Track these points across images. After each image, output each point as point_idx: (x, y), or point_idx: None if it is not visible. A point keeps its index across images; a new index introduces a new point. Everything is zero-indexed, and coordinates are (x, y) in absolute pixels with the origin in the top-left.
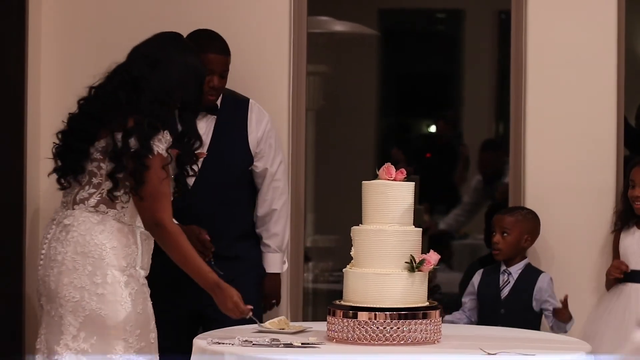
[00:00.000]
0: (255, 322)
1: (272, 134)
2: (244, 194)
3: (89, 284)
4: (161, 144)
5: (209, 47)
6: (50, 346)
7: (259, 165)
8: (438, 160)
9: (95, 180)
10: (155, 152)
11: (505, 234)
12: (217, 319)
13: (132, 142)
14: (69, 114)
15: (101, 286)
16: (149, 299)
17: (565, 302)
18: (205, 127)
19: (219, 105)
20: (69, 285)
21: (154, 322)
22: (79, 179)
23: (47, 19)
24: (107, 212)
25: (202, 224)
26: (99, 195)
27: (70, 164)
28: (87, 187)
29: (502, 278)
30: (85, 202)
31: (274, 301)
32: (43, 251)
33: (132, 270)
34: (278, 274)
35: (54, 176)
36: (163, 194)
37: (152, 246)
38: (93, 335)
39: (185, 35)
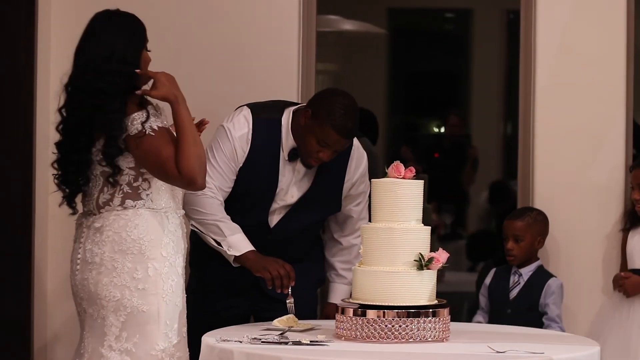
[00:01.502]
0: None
1: (366, 177)
2: (321, 225)
3: (129, 281)
4: (152, 120)
5: (337, 126)
6: (95, 348)
7: (346, 205)
8: (446, 160)
9: (111, 180)
10: (145, 131)
11: (518, 240)
12: (270, 319)
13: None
14: (55, 143)
15: (142, 281)
16: (184, 291)
17: None
18: (304, 173)
19: None
20: (109, 285)
21: (185, 315)
22: (87, 189)
23: (57, 17)
24: (135, 206)
25: (275, 252)
26: (121, 192)
27: (73, 179)
28: (105, 189)
29: (513, 279)
30: (110, 203)
31: None
32: (79, 255)
33: (172, 260)
34: None
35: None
36: (168, 158)
37: (185, 228)
38: (136, 334)
39: (325, 94)
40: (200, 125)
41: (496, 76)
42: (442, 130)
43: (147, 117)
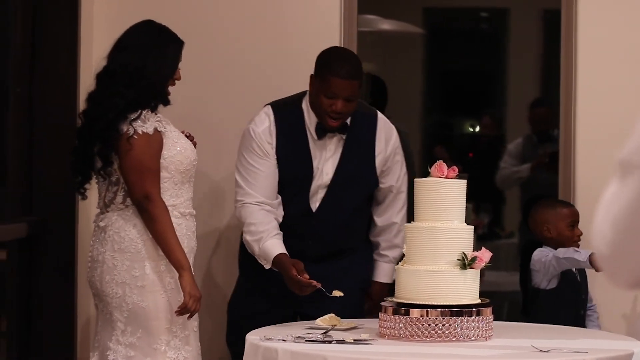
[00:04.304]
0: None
1: (399, 149)
2: (365, 208)
3: (128, 279)
4: (138, 124)
5: (333, 71)
6: (104, 343)
7: (384, 181)
8: (480, 160)
9: (114, 178)
10: (129, 133)
11: (576, 226)
12: (315, 317)
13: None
14: (77, 129)
15: (140, 279)
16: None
17: None
18: (335, 148)
19: (348, 123)
20: (111, 282)
21: (187, 316)
22: (98, 186)
23: (99, 16)
24: None
25: (322, 241)
26: (122, 190)
27: (80, 168)
28: (110, 187)
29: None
30: (114, 201)
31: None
32: (90, 254)
33: None
34: (387, 284)
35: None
36: (150, 170)
37: (193, 226)
38: (138, 329)
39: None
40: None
41: (532, 76)
42: (477, 129)
43: (137, 118)
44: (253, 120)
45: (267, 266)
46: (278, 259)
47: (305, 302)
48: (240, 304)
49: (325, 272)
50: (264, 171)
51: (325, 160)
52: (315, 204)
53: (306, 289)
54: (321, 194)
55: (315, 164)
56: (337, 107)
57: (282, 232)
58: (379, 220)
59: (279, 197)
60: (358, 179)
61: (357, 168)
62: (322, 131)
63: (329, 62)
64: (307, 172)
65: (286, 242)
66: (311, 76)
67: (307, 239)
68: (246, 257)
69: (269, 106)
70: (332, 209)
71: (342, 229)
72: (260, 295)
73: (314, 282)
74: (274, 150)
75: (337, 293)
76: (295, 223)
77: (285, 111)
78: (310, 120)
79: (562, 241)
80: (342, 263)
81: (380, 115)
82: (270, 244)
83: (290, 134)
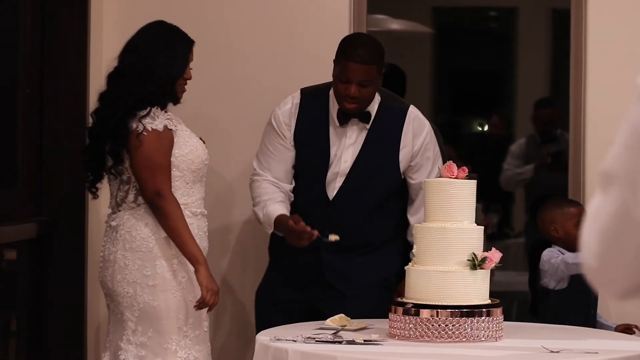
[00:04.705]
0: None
1: (431, 145)
2: (390, 205)
3: (140, 278)
4: (147, 120)
5: (346, 55)
6: (116, 343)
7: (415, 177)
8: (489, 159)
9: (125, 177)
10: (138, 129)
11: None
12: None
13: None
14: (87, 128)
15: (151, 278)
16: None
17: None
18: (356, 137)
19: (372, 114)
20: (122, 282)
21: (206, 310)
22: (109, 185)
23: (109, 16)
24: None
25: (338, 232)
26: (134, 189)
27: (92, 166)
28: (122, 186)
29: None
30: (125, 200)
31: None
32: (102, 254)
33: (181, 257)
34: None
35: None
36: (161, 167)
37: (205, 225)
38: (149, 328)
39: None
40: None
41: (541, 75)
42: (486, 129)
43: (146, 115)
44: (279, 104)
45: (270, 230)
46: (278, 219)
47: (322, 300)
48: (265, 294)
49: (341, 266)
50: (277, 156)
51: (345, 148)
52: (332, 192)
53: (303, 235)
54: (339, 182)
55: (333, 150)
56: (350, 92)
57: (288, 202)
58: (413, 220)
59: (293, 183)
60: (378, 169)
61: (378, 159)
62: (344, 118)
63: (345, 46)
64: (323, 158)
65: None
66: (333, 61)
67: (324, 229)
68: (274, 246)
69: (299, 90)
70: (350, 198)
71: (360, 221)
72: (285, 286)
73: (309, 229)
74: (292, 132)
75: (333, 237)
76: (311, 211)
77: (312, 96)
78: (334, 106)
79: (570, 240)
80: (360, 260)
81: (412, 109)
82: (273, 208)
83: (312, 119)
